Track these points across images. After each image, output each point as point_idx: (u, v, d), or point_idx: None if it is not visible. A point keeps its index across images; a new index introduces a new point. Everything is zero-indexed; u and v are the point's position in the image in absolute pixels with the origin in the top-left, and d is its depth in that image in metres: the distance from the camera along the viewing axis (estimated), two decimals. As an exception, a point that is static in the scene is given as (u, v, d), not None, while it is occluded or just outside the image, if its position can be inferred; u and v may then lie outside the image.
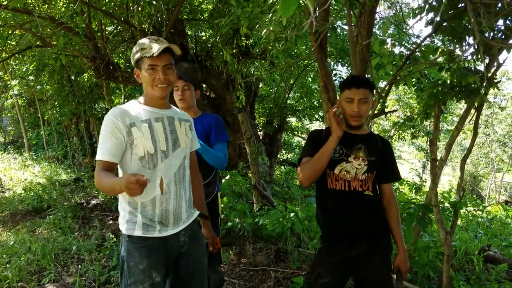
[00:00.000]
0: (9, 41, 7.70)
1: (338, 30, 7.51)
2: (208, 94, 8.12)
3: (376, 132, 3.19)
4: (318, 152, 2.20)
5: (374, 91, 2.39)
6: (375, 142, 2.35)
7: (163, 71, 2.00)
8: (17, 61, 10.81)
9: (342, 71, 9.56)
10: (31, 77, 11.08)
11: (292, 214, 5.07)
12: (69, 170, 10.79)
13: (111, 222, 6.07)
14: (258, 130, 10.41)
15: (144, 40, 2.04)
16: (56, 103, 11.50)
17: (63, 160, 12.17)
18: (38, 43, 6.82)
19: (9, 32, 7.04)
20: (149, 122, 2.01)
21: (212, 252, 2.45)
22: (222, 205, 4.83)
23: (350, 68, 8.30)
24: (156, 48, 1.96)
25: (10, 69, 11.65)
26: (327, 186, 2.31)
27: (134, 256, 1.97)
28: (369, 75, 3.32)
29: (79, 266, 4.15)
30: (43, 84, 11.39)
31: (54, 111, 11.66)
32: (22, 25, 6.24)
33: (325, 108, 3.92)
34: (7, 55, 8.31)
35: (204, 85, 7.41)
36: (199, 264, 2.21)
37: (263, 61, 7.77)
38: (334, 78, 8.98)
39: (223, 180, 5.64)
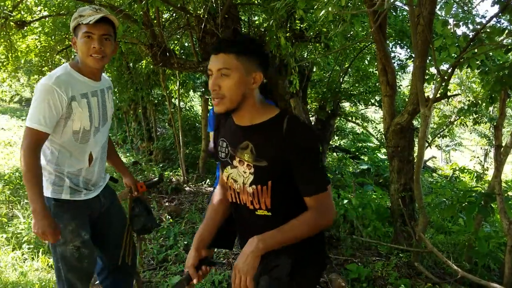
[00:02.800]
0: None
1: (398, 11, 7.20)
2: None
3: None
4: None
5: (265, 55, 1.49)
6: (276, 134, 1.42)
7: (99, 41, 1.91)
8: (79, 49, 11.31)
9: (401, 53, 9.20)
10: (92, 65, 11.54)
11: (345, 201, 5.00)
12: (128, 154, 11.23)
13: (167, 204, 6.28)
14: (310, 115, 10.30)
15: (85, 8, 1.94)
16: (115, 90, 11.94)
17: (123, 144, 12.66)
18: (98, 31, 7.08)
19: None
20: (87, 97, 2.00)
21: (136, 195, 2.61)
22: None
23: (410, 50, 7.95)
24: (94, 16, 1.87)
25: (73, 56, 12.21)
26: None
27: (63, 218, 2.01)
28: (431, 57, 3.18)
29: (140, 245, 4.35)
30: (103, 72, 11.82)
31: (114, 98, 12.11)
32: (84, 14, 6.49)
33: (383, 92, 3.81)
34: (70, 42, 8.73)
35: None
36: (119, 215, 2.42)
37: (317, 44, 7.62)
38: (393, 61, 8.67)
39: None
